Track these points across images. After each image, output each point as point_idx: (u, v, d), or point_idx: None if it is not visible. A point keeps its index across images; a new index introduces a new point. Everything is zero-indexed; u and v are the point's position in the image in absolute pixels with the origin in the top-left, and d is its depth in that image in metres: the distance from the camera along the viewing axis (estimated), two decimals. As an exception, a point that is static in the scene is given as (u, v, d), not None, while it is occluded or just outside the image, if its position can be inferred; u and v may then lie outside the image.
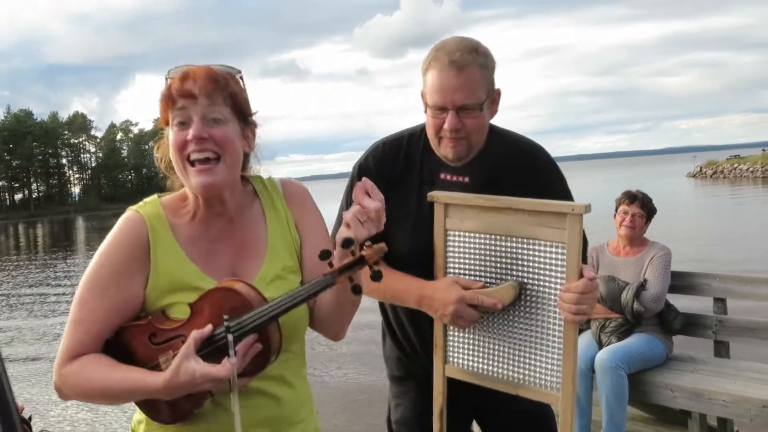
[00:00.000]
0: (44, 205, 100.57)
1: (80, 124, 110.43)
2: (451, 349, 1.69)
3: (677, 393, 3.16)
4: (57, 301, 12.48)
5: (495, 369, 1.63)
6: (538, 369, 1.56)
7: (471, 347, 1.66)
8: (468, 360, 1.67)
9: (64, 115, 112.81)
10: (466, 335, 1.66)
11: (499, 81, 1.69)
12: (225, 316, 1.16)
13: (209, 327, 1.17)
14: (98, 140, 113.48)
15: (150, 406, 1.25)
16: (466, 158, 1.70)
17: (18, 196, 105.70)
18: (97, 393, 1.21)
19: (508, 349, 1.60)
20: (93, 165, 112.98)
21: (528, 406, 1.67)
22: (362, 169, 1.78)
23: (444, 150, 1.69)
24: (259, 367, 1.21)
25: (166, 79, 1.28)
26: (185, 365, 1.13)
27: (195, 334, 1.15)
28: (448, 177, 1.74)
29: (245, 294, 1.20)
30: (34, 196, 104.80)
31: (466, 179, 1.72)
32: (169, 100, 1.24)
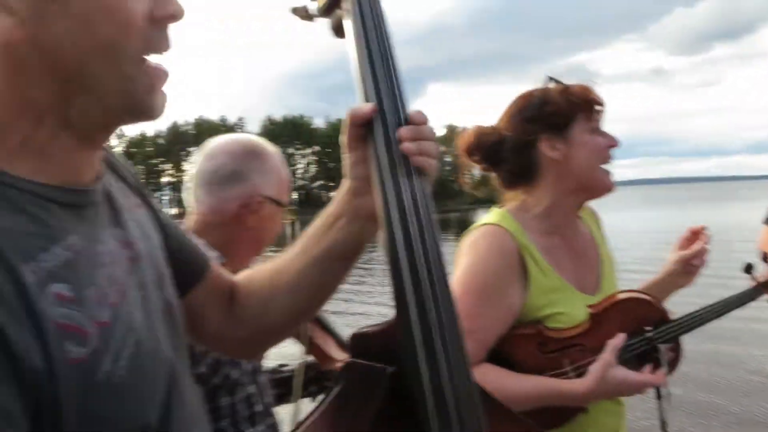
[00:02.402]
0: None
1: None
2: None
3: None
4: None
5: None
6: None
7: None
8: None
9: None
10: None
11: None
12: (647, 327, 1.24)
13: (622, 336, 1.23)
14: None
15: (529, 411, 1.27)
16: None
17: (333, 194, 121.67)
18: (505, 400, 1.24)
19: None
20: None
21: None
22: None
23: None
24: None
25: (555, 81, 1.38)
26: (612, 373, 1.19)
27: (614, 343, 1.22)
28: None
29: (657, 305, 1.28)
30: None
31: None
32: (589, 105, 1.35)
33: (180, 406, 0.68)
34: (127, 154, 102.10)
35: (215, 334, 0.91)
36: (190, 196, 1.50)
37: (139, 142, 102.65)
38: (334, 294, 0.90)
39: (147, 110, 0.65)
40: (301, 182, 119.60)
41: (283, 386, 1.73)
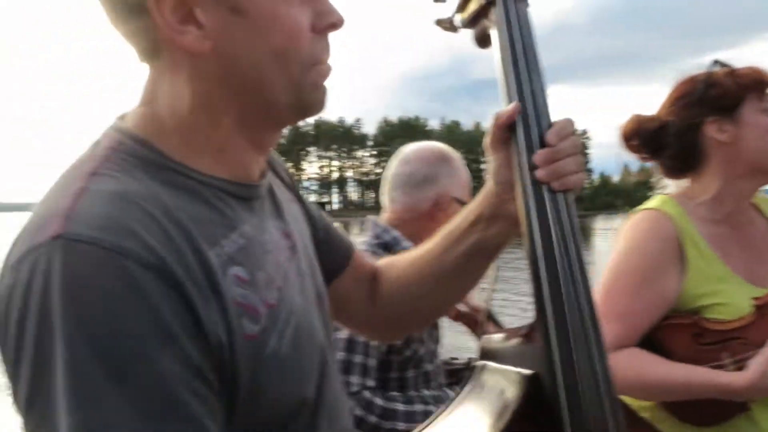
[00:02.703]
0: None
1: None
2: None
3: None
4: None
5: None
6: None
7: None
8: None
9: (485, 125, 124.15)
10: None
11: None
12: None
13: None
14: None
15: (685, 405, 1.25)
16: None
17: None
18: (651, 386, 1.25)
19: None
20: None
21: None
22: None
23: None
24: None
25: (721, 64, 1.36)
26: None
27: None
28: None
29: None
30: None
31: None
32: (760, 86, 1.32)
33: (330, 385, 0.75)
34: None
35: (359, 316, 0.97)
36: (384, 195, 1.76)
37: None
38: (474, 287, 0.94)
39: (312, 108, 0.71)
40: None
41: (453, 377, 1.89)
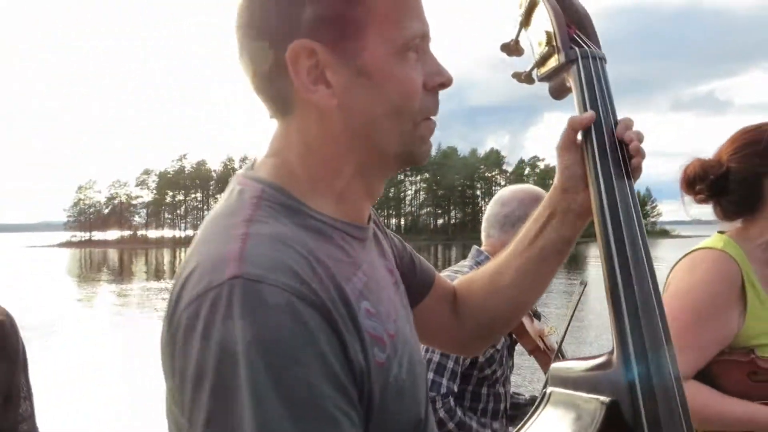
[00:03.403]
0: (459, 230, 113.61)
1: (494, 159, 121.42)
2: None
3: None
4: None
5: None
6: None
7: None
8: None
9: (481, 151, 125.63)
10: None
11: None
12: None
13: None
14: (508, 174, 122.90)
15: None
16: None
17: (440, 221, 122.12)
18: (711, 418, 1.32)
19: None
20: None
21: None
22: None
23: None
24: None
25: None
26: None
27: None
28: None
29: None
30: (451, 222, 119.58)
31: None
32: None
33: (429, 404, 0.84)
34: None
35: (443, 333, 1.05)
36: (483, 231, 2.04)
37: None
38: (549, 284, 1.03)
39: (418, 159, 0.80)
40: (409, 209, 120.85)
41: (515, 409, 2.08)
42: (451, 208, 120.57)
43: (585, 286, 2.22)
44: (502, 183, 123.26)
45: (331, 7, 0.71)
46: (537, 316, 2.18)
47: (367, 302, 0.71)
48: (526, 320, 2.05)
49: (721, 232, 1.50)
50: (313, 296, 0.63)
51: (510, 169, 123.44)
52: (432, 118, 0.79)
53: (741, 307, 1.37)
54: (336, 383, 0.62)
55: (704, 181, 1.47)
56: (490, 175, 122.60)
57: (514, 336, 2.07)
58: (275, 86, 0.75)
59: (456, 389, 1.78)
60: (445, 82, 0.79)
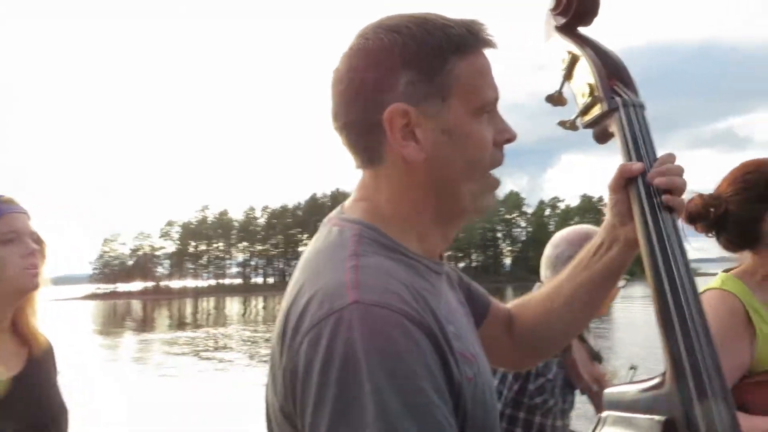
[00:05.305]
0: (480, 273, 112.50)
1: (514, 201, 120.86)
2: None
3: None
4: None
5: None
6: None
7: None
8: None
9: (500, 194, 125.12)
10: None
11: None
12: None
13: None
14: (528, 216, 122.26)
15: None
16: None
17: (461, 265, 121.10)
18: None
19: None
20: (523, 239, 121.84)
21: None
22: None
23: None
24: None
25: None
26: None
27: None
28: None
29: None
30: (473, 265, 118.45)
31: None
32: None
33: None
34: (269, 224, 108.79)
35: (499, 351, 1.14)
36: (541, 272, 2.15)
37: (281, 213, 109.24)
38: (599, 309, 1.14)
39: (485, 207, 0.92)
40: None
41: None
42: (473, 251, 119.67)
43: (635, 371, 2.23)
44: (523, 224, 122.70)
45: (424, 75, 0.84)
46: (598, 358, 2.24)
47: (452, 326, 0.82)
48: (582, 360, 2.09)
49: (726, 270, 1.60)
50: (419, 317, 0.74)
51: (530, 210, 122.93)
52: (496, 177, 0.91)
53: (750, 334, 1.48)
54: (441, 394, 0.72)
55: (705, 219, 1.57)
56: (510, 217, 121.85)
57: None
58: (368, 140, 0.87)
59: (506, 411, 1.90)
60: (511, 138, 0.91)
